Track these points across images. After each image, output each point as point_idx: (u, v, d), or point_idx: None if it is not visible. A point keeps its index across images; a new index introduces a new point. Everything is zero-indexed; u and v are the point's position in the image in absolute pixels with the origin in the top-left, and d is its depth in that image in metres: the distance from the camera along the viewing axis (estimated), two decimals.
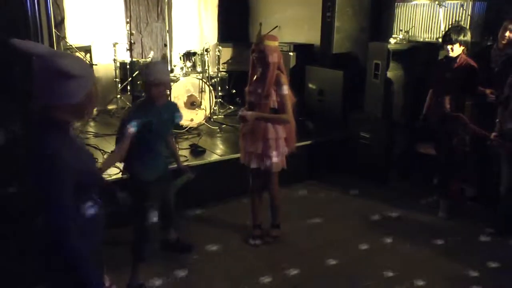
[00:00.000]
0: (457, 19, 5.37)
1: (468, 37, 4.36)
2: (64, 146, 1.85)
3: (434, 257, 4.03)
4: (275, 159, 3.88)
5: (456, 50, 4.37)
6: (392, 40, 5.44)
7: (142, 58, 7.17)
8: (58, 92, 1.83)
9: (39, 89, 1.86)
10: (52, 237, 1.85)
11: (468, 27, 5.01)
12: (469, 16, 5.28)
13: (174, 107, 3.61)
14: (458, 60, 4.39)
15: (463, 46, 4.37)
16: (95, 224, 2.04)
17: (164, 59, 3.25)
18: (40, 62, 1.83)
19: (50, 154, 1.80)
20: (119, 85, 6.68)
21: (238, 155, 4.20)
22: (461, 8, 5.34)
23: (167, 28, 5.82)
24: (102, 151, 4.91)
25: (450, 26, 4.90)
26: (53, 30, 4.92)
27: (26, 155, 1.89)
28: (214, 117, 6.57)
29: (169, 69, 6.20)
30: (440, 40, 5.11)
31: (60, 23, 6.50)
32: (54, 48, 4.82)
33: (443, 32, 4.87)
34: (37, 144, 1.84)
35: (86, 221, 1.97)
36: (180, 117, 3.64)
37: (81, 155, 1.98)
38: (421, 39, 5.86)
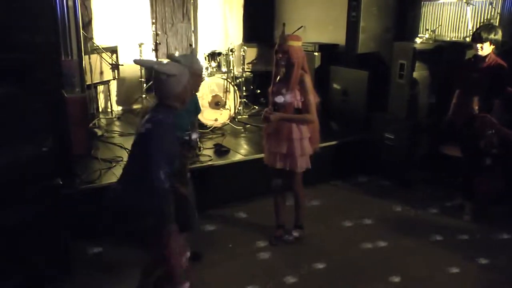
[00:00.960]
0: (486, 18, 5.26)
1: (499, 35, 4.27)
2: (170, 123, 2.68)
3: (458, 259, 3.98)
4: (299, 159, 3.87)
5: (485, 49, 4.28)
6: (418, 40, 5.37)
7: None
8: (164, 87, 2.66)
9: (155, 88, 2.75)
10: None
11: (498, 25, 4.91)
12: (498, 14, 5.17)
13: (195, 98, 3.67)
14: (487, 59, 4.30)
15: (493, 45, 4.27)
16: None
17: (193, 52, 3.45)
18: (152, 71, 2.70)
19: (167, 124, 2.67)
20: (144, 85, 6.76)
21: (262, 155, 4.21)
22: (490, 6, 5.23)
23: (192, 29, 5.86)
24: (127, 150, 4.99)
25: (480, 24, 4.80)
26: (81, 31, 5.02)
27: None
28: (238, 117, 6.58)
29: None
30: (467, 39, 5.02)
31: (87, 24, 6.61)
32: (82, 49, 4.92)
33: (472, 31, 4.78)
34: (155, 119, 2.65)
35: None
36: (199, 109, 3.70)
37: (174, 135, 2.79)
38: (448, 39, 5.77)
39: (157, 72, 2.65)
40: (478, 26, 4.56)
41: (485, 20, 5.18)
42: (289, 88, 3.74)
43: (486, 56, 4.30)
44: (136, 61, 2.88)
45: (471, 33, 4.72)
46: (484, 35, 4.23)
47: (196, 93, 3.75)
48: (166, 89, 2.66)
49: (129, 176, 2.73)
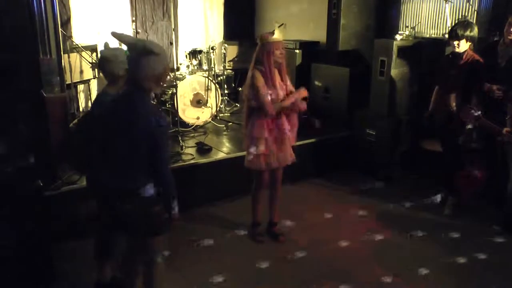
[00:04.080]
0: (463, 15, 5.34)
1: (475, 32, 4.32)
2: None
3: (439, 253, 4.03)
4: (249, 156, 3.93)
5: (462, 46, 4.33)
6: (398, 37, 5.41)
7: None
8: (145, 66, 2.53)
9: (133, 67, 2.57)
10: (161, 165, 2.63)
11: (474, 22, 4.98)
12: (475, 12, 5.26)
13: None
14: (464, 56, 4.36)
15: (469, 42, 4.33)
16: None
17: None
18: (132, 47, 2.58)
19: (156, 111, 2.64)
20: None
21: (244, 153, 4.20)
22: (467, 4, 5.32)
23: (172, 27, 5.83)
24: None
25: (457, 21, 4.86)
26: (60, 29, 4.94)
27: (123, 116, 2.58)
28: (220, 115, 6.57)
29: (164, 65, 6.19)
30: (446, 36, 5.09)
31: (66, 22, 6.51)
32: (61, 47, 4.84)
33: (450, 28, 4.84)
34: (138, 107, 2.56)
35: None
36: None
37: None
38: (427, 35, 5.85)
39: (142, 49, 2.55)
40: (454, 23, 4.61)
41: (462, 17, 5.26)
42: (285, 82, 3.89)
43: (463, 53, 4.36)
44: (114, 34, 2.71)
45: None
46: (460, 32, 4.27)
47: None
48: (147, 69, 2.55)
49: (130, 164, 2.67)
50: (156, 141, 2.56)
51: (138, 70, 2.56)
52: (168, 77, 6.36)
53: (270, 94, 3.76)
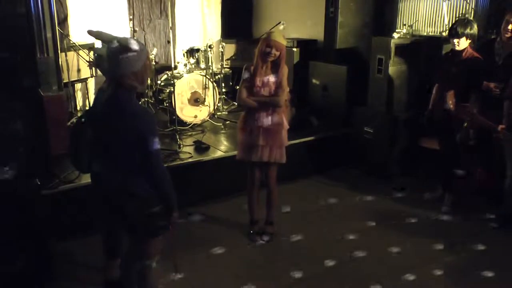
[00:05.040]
0: (461, 13, 5.34)
1: (474, 30, 4.31)
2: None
3: (437, 250, 4.04)
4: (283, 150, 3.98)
5: (462, 44, 4.32)
6: (395, 35, 5.41)
7: None
8: (124, 64, 2.45)
9: (110, 65, 2.50)
10: (152, 164, 2.57)
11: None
12: (472, 10, 5.26)
13: None
14: (464, 54, 4.35)
15: (469, 40, 4.32)
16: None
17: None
18: (109, 45, 2.48)
19: (142, 109, 2.67)
20: None
21: None
22: (465, 2, 5.32)
23: (170, 25, 5.81)
24: None
25: (456, 19, 4.85)
26: (57, 28, 4.93)
27: (110, 116, 2.54)
28: (218, 113, 6.57)
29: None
30: (444, 34, 5.09)
31: (63, 21, 6.50)
32: (58, 46, 4.84)
33: (448, 26, 4.84)
34: (123, 106, 2.51)
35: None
36: None
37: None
38: (425, 33, 5.85)
39: (119, 46, 2.47)
40: (454, 21, 4.60)
41: (460, 15, 5.26)
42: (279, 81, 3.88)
43: (463, 51, 4.36)
44: (90, 32, 2.57)
45: (447, 28, 4.78)
46: (460, 30, 4.27)
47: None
48: (125, 67, 2.47)
49: (124, 164, 2.64)
50: (144, 141, 2.52)
51: (116, 68, 2.49)
52: (166, 75, 6.39)
53: (247, 87, 3.90)
